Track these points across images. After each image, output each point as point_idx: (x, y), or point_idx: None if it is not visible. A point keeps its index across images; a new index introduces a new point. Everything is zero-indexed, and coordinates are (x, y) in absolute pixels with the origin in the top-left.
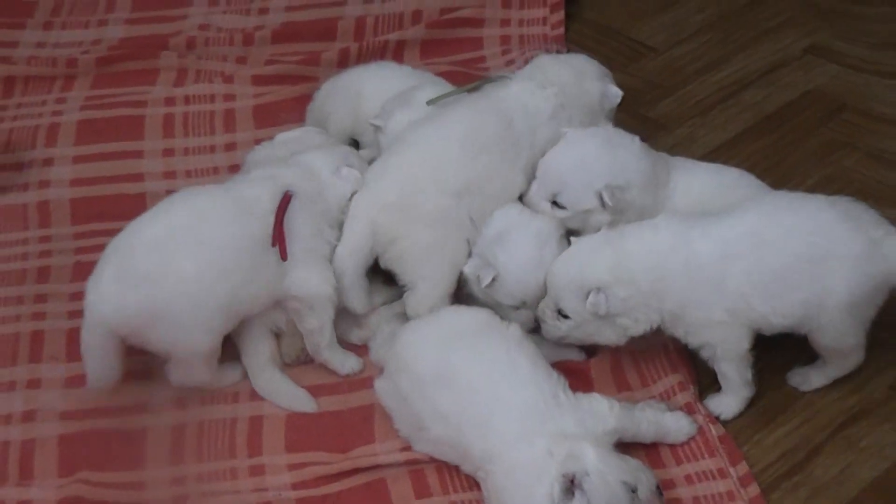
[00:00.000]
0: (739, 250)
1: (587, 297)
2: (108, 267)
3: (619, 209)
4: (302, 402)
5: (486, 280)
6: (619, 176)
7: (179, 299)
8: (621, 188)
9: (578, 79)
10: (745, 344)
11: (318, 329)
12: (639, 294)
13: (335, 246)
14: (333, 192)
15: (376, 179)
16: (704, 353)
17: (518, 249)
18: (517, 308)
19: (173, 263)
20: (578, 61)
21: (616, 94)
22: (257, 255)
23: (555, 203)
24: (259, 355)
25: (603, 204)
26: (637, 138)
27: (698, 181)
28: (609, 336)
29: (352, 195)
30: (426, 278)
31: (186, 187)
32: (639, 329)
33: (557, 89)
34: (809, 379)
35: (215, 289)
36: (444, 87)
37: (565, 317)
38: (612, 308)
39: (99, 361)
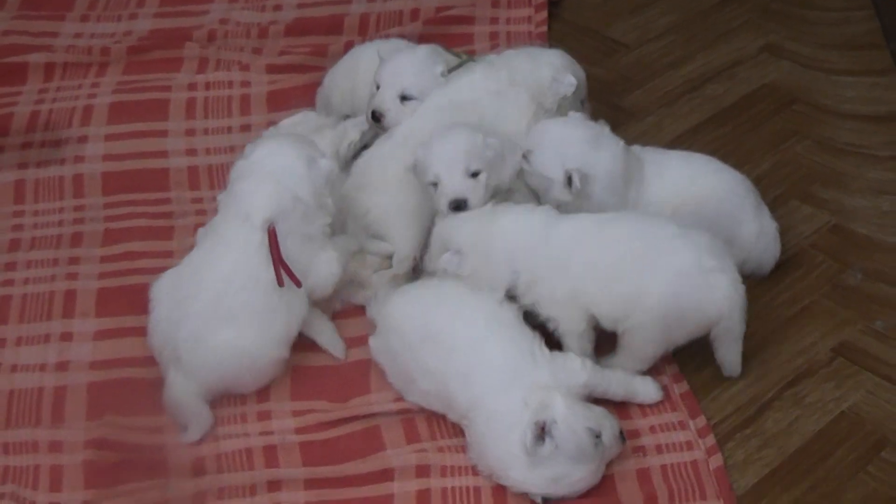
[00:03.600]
0: (585, 240)
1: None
2: (180, 348)
3: (582, 195)
4: (337, 347)
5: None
6: (591, 167)
7: (244, 361)
8: (588, 179)
9: (532, 65)
10: (582, 324)
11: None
12: (487, 265)
13: (330, 220)
14: (309, 188)
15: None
16: (550, 326)
17: None
18: None
19: (234, 333)
20: (542, 52)
21: (569, 82)
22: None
23: (524, 157)
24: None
25: (570, 183)
26: (622, 143)
27: (670, 171)
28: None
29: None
30: (399, 237)
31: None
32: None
33: (508, 73)
34: None
35: (270, 336)
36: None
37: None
38: (461, 271)
39: (193, 415)
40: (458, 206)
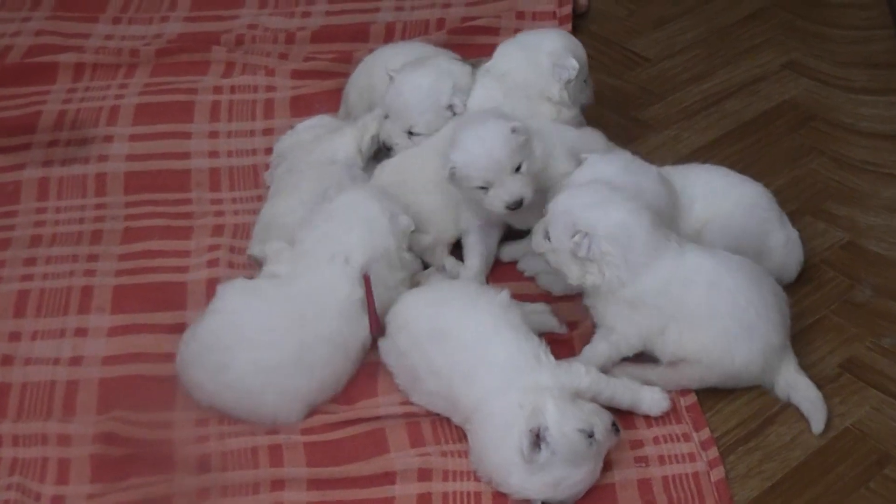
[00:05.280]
0: (701, 280)
1: (573, 236)
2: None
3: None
4: None
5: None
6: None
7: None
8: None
9: (529, 57)
10: (631, 350)
11: None
12: (619, 257)
13: (409, 275)
14: (393, 240)
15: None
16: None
17: None
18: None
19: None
20: (536, 38)
21: (572, 65)
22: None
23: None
24: None
25: None
26: (654, 167)
27: (694, 188)
28: (573, 272)
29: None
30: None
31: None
32: (597, 281)
33: (506, 76)
34: None
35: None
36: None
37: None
38: (591, 254)
39: None
40: (517, 206)
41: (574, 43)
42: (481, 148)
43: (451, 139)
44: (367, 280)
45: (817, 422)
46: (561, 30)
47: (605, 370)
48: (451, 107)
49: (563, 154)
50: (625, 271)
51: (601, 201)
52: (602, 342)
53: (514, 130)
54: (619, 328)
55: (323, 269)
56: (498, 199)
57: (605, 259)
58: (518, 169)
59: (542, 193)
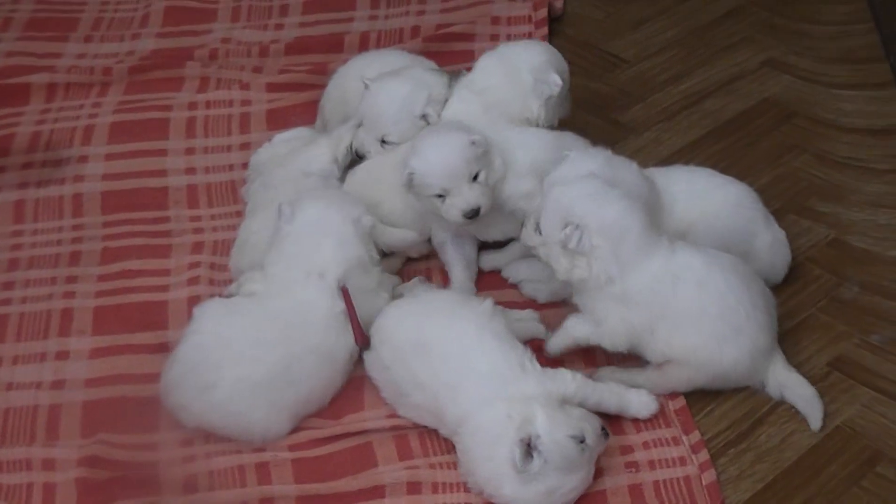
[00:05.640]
0: (691, 278)
1: (565, 227)
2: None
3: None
4: None
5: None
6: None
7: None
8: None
9: (511, 73)
10: (619, 347)
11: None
12: (609, 251)
13: (380, 269)
14: (362, 246)
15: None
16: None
17: None
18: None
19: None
20: (517, 52)
21: (555, 82)
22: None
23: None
24: None
25: None
26: (634, 163)
27: (677, 189)
28: (562, 265)
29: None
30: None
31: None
32: (584, 275)
33: (486, 92)
34: None
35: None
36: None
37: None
38: (581, 247)
39: None
40: (473, 215)
41: (557, 57)
42: (439, 156)
43: (412, 146)
44: (345, 292)
45: (815, 419)
46: (543, 43)
47: (576, 344)
48: (424, 116)
49: (526, 170)
50: (613, 266)
51: (595, 195)
52: (587, 324)
53: (473, 143)
54: (608, 323)
55: (299, 288)
56: (454, 208)
57: (594, 253)
58: (476, 178)
59: (501, 206)
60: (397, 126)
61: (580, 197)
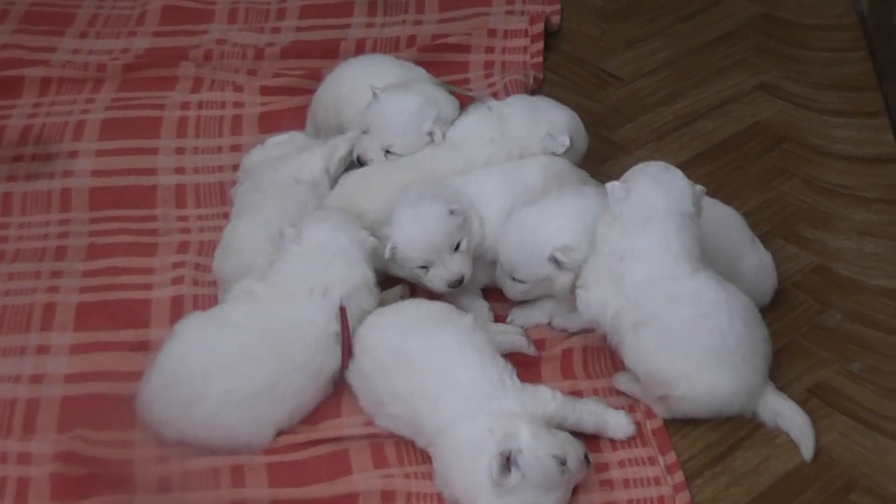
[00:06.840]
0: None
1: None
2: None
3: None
4: None
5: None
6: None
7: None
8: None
9: (530, 121)
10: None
11: None
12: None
13: (379, 292)
14: (367, 267)
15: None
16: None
17: None
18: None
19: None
20: (548, 106)
21: (563, 142)
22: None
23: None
24: None
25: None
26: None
27: None
28: (564, 284)
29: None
30: None
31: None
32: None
33: (504, 120)
34: None
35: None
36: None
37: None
38: (573, 264)
39: None
40: (457, 284)
41: (580, 130)
42: (419, 230)
43: (390, 218)
44: (343, 313)
45: (807, 448)
46: (575, 114)
47: (544, 316)
48: (430, 134)
49: (496, 214)
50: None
51: (541, 217)
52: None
53: (452, 212)
54: (588, 283)
55: (300, 302)
56: (438, 279)
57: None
58: (457, 248)
59: (482, 256)
60: (403, 138)
61: (533, 230)
